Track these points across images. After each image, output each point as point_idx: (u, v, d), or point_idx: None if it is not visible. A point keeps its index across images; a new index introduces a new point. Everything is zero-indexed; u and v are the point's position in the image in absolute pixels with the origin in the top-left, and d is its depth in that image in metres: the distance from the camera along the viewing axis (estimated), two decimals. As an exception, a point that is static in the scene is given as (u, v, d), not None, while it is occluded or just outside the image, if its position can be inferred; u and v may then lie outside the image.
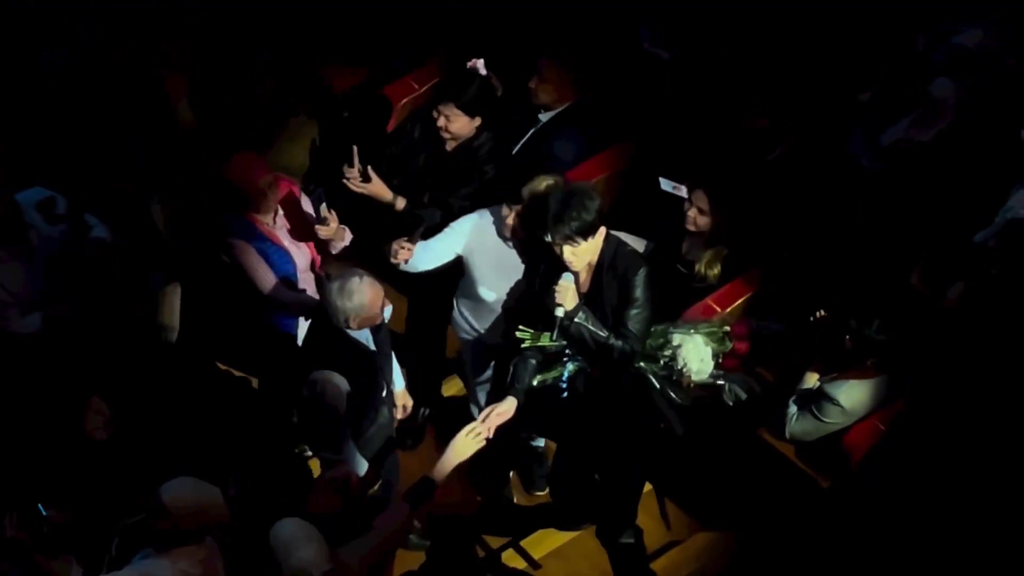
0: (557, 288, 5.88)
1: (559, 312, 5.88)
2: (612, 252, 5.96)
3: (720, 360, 6.21)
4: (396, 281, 6.83)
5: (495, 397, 6.21)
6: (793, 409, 6.19)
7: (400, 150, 6.96)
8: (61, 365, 6.15)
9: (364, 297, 5.94)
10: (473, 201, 6.64)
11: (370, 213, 6.85)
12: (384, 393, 6.29)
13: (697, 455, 6.48)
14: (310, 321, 6.40)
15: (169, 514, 4.92)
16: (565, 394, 6.21)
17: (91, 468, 5.81)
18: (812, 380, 6.22)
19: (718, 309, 6.38)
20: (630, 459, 6.35)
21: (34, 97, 7.27)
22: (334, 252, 6.75)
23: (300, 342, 6.57)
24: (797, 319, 6.31)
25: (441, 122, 6.72)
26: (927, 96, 6.74)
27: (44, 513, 5.24)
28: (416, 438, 6.58)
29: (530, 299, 6.20)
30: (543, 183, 6.20)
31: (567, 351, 6.10)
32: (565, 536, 6.69)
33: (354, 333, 6.09)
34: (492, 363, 6.72)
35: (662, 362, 6.08)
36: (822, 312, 6.21)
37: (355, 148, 6.63)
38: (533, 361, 6.10)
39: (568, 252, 5.84)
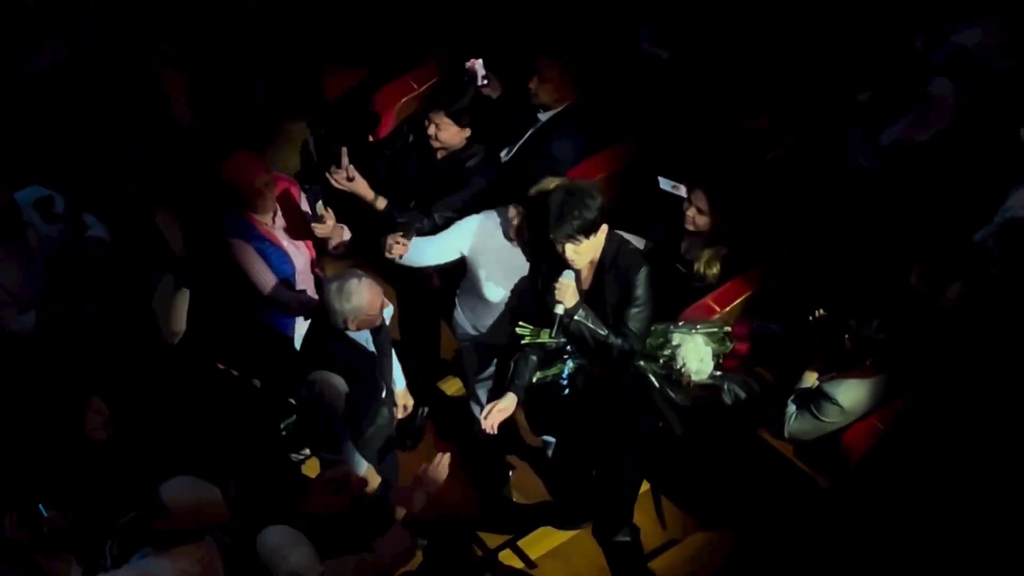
0: (557, 285, 5.89)
1: (559, 309, 5.89)
2: (614, 250, 5.97)
3: (720, 360, 6.21)
4: (391, 281, 6.84)
5: (496, 394, 6.22)
6: (792, 408, 6.19)
7: (393, 154, 6.98)
8: (61, 365, 6.15)
9: (362, 299, 5.95)
10: (456, 212, 6.65)
11: (369, 212, 6.86)
12: (384, 394, 6.29)
13: (696, 454, 6.48)
14: (309, 322, 6.40)
15: (168, 513, 4.92)
16: (565, 391, 6.22)
17: (91, 468, 5.82)
18: (811, 379, 6.22)
19: (717, 308, 6.38)
20: (628, 457, 6.35)
21: (34, 97, 7.28)
22: (332, 251, 6.76)
23: (298, 342, 6.59)
24: (796, 319, 6.31)
25: (431, 130, 6.74)
26: (926, 96, 6.74)
27: (44, 513, 5.23)
28: (415, 438, 6.59)
29: (532, 296, 6.21)
30: (552, 184, 6.21)
31: (567, 349, 6.11)
32: (564, 535, 6.69)
33: (353, 334, 6.09)
34: (495, 361, 6.73)
35: (662, 361, 6.09)
36: (821, 311, 6.21)
37: (344, 148, 6.66)
38: (534, 358, 6.12)
39: (570, 250, 5.85)
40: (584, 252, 5.88)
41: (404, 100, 7.48)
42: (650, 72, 7.46)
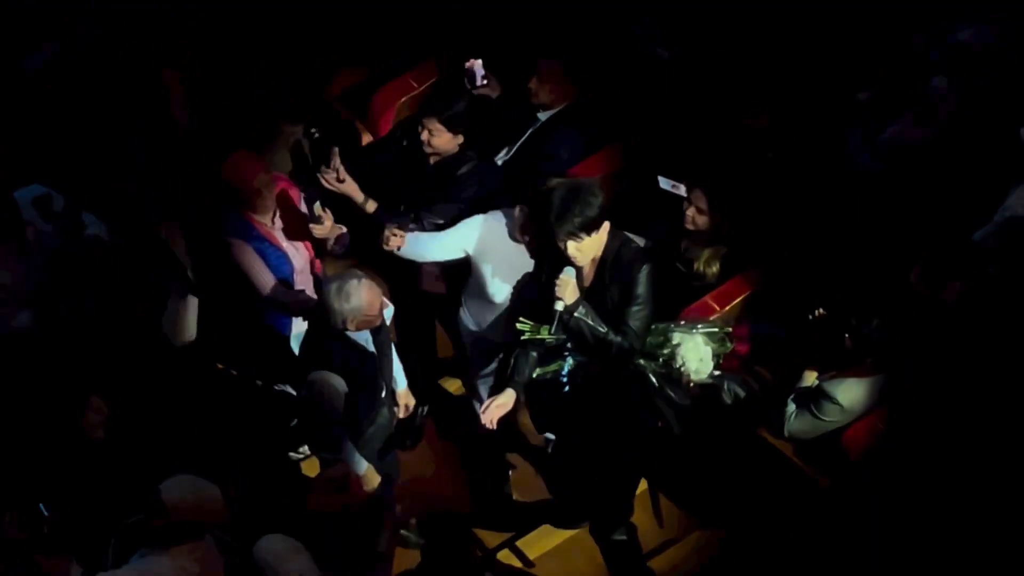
0: (558, 282, 5.89)
1: (559, 306, 5.89)
2: (617, 248, 5.97)
3: (720, 361, 6.21)
4: (388, 281, 6.85)
5: (496, 390, 6.23)
6: (792, 407, 6.19)
7: (385, 157, 7.00)
8: (61, 364, 6.15)
9: (361, 299, 5.95)
10: (445, 221, 6.66)
11: (360, 214, 6.86)
12: (384, 393, 6.29)
13: (696, 453, 6.48)
14: (309, 322, 6.40)
15: (168, 511, 4.92)
16: (565, 388, 6.23)
17: (91, 468, 5.82)
18: (811, 378, 6.22)
19: (717, 307, 6.39)
20: (626, 456, 6.35)
21: (34, 96, 7.29)
22: (332, 252, 6.76)
23: (297, 342, 6.59)
24: (796, 318, 6.31)
25: (424, 136, 6.75)
26: (926, 95, 6.74)
27: (45, 513, 5.23)
28: (415, 437, 6.58)
29: (534, 293, 6.22)
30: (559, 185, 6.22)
31: (567, 346, 6.12)
32: (565, 534, 6.69)
33: (353, 334, 6.09)
34: (497, 358, 6.74)
35: (661, 360, 6.08)
36: (821, 311, 6.21)
37: (335, 149, 6.67)
38: (534, 354, 6.12)
39: (572, 247, 5.86)
40: (586, 249, 5.89)
41: (404, 99, 7.49)
42: (650, 72, 7.46)
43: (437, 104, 6.74)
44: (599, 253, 5.97)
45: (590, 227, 5.82)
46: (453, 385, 7.35)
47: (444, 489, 6.88)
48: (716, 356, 6.19)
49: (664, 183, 6.59)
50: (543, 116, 7.08)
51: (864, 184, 6.76)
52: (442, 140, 6.75)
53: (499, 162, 7.14)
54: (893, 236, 6.50)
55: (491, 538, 6.73)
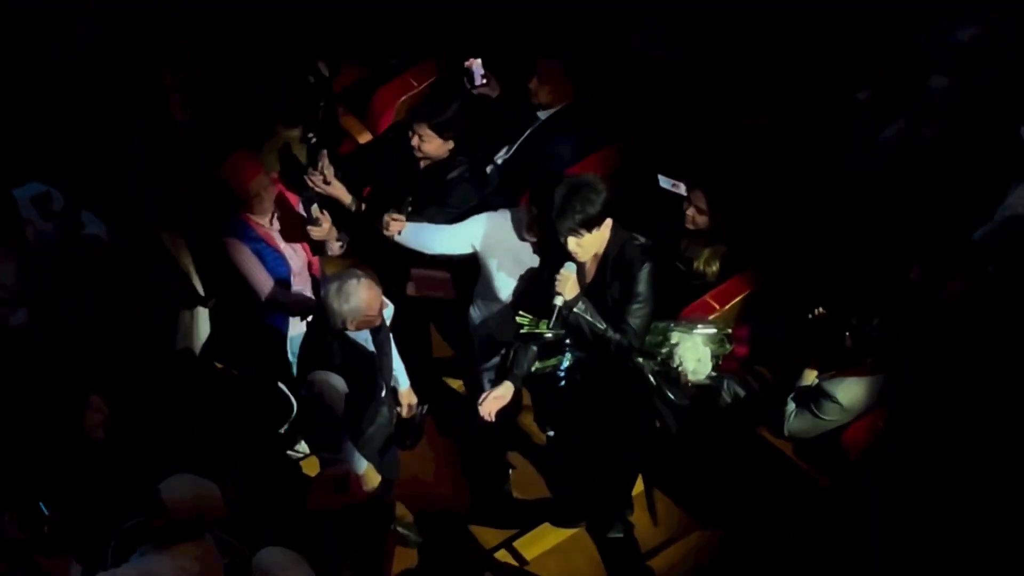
0: (558, 277, 5.90)
1: (558, 301, 5.90)
2: (619, 245, 5.98)
3: (719, 362, 6.22)
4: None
5: (496, 383, 6.23)
6: (791, 406, 6.19)
7: (376, 160, 7.01)
8: (60, 363, 6.15)
9: (361, 299, 5.94)
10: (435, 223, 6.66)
11: (349, 216, 6.87)
12: (384, 393, 6.29)
13: (695, 452, 6.48)
14: (309, 322, 6.40)
15: (168, 510, 4.92)
16: (563, 383, 6.23)
17: (91, 467, 5.82)
18: (811, 377, 6.22)
19: (717, 306, 6.39)
20: (625, 455, 6.36)
21: (34, 96, 7.28)
22: (331, 254, 6.77)
23: (294, 342, 6.59)
24: (796, 317, 6.31)
25: (414, 141, 6.76)
26: (925, 94, 6.74)
27: (45, 513, 5.23)
28: (415, 436, 6.58)
29: (535, 287, 6.23)
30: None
31: (567, 341, 6.12)
32: (564, 533, 6.69)
33: (353, 334, 6.09)
34: (501, 352, 6.75)
35: (659, 359, 6.09)
36: (821, 310, 6.21)
37: (323, 151, 6.69)
38: (533, 348, 6.13)
39: (573, 243, 5.86)
40: (587, 245, 5.89)
41: (404, 98, 7.49)
42: (649, 72, 7.46)
43: (427, 110, 6.76)
44: (601, 250, 5.97)
45: (591, 223, 5.83)
46: (453, 384, 7.35)
47: (444, 488, 6.88)
48: (715, 357, 6.19)
49: (664, 182, 6.59)
50: (543, 116, 7.09)
51: (864, 183, 6.76)
52: (432, 146, 6.77)
53: (499, 162, 7.16)
54: (893, 235, 6.49)
55: (491, 537, 6.73)
